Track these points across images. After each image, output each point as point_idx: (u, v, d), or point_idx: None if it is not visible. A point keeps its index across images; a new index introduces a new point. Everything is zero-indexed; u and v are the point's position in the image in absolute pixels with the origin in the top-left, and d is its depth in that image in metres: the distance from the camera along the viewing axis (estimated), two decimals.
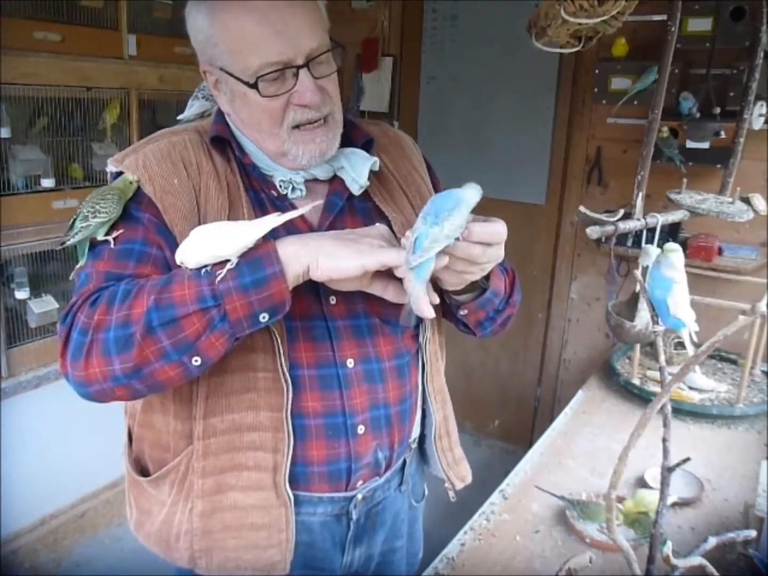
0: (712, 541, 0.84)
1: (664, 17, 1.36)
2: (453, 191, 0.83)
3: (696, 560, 0.82)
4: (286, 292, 0.81)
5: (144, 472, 1.05)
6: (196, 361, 0.81)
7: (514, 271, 1.09)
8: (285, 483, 0.95)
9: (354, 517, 1.06)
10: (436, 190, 1.12)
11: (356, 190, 1.00)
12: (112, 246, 0.90)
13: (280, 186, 0.98)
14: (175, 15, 2.37)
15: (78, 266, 0.93)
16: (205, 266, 0.81)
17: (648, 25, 2.22)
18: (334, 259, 0.80)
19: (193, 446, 0.95)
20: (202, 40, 0.94)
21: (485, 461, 2.94)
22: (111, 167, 0.97)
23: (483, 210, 0.86)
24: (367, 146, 1.03)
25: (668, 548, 0.80)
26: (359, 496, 1.04)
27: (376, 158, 1.02)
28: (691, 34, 2.10)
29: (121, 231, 0.91)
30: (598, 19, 1.15)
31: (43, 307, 2.09)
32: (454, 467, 1.16)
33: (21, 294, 2.07)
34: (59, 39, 2.03)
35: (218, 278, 0.79)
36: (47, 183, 2.08)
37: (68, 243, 0.92)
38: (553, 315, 2.89)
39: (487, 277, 0.95)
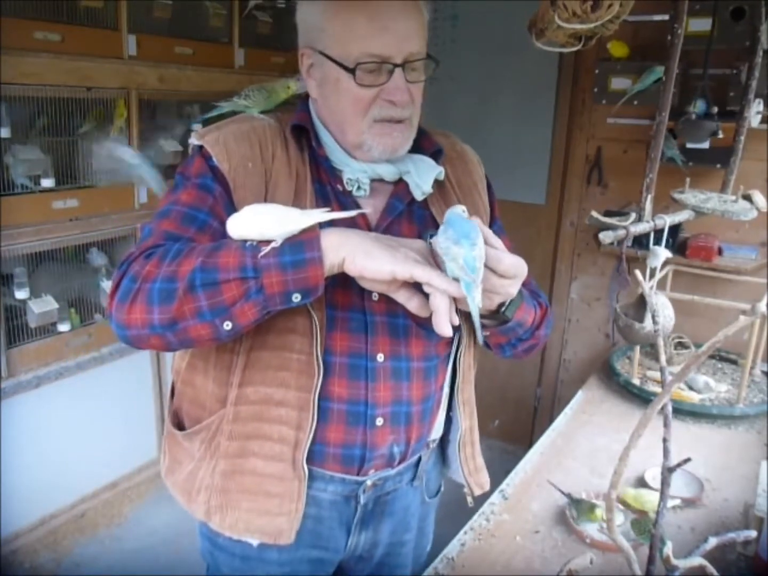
0: (712, 542, 0.84)
1: (665, 17, 1.36)
2: (466, 219, 0.87)
3: (696, 560, 0.81)
4: (321, 278, 0.84)
5: (180, 425, 1.12)
6: (227, 325, 0.85)
7: (548, 308, 1.12)
8: (303, 459, 1.00)
9: (362, 501, 1.10)
10: (492, 211, 1.17)
11: (419, 196, 1.03)
12: (180, 208, 0.95)
13: (347, 183, 1.02)
14: (175, 15, 2.37)
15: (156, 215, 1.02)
16: (252, 241, 0.85)
17: (648, 25, 2.22)
18: (370, 258, 0.84)
19: (226, 410, 1.01)
20: (309, 23, 1.00)
21: (485, 461, 2.93)
22: (194, 140, 1.02)
23: None
24: (436, 156, 1.07)
25: (668, 548, 0.80)
26: (369, 483, 1.08)
27: (441, 168, 1.05)
28: (693, 34, 2.10)
29: (193, 195, 0.96)
30: (592, 25, 1.15)
31: (43, 307, 2.08)
32: (475, 475, 1.19)
33: (21, 294, 2.07)
34: (59, 39, 2.03)
35: (262, 253, 0.83)
36: (47, 183, 2.07)
37: (215, 110, 1.11)
38: (553, 315, 2.88)
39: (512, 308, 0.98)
